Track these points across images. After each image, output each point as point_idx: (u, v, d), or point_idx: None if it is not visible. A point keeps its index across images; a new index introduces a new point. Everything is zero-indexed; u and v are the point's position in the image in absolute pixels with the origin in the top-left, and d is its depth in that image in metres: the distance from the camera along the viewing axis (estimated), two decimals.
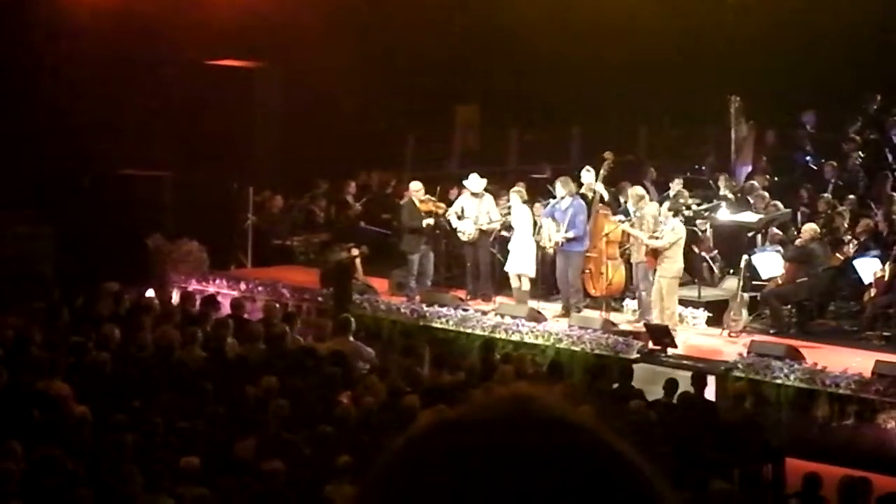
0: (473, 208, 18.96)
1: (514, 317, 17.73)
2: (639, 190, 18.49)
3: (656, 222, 17.68)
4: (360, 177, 23.52)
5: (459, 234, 19.00)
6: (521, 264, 18.47)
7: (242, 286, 19.75)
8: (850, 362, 15.95)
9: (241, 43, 21.59)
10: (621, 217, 18.47)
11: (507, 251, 18.72)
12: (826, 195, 20.97)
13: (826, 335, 17.66)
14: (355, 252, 19.59)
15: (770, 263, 18.18)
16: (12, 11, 20.47)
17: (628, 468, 1.50)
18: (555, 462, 1.47)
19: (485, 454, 1.47)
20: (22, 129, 20.83)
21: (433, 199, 19.43)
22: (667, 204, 18.24)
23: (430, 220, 19.05)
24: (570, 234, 17.97)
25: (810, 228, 18.19)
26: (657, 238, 17.46)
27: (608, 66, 23.12)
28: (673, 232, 17.43)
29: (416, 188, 19.40)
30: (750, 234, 19.45)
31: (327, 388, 14.01)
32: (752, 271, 18.05)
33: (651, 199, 18.64)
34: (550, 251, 18.38)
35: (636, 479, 1.50)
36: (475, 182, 19.05)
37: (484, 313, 18.08)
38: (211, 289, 19.65)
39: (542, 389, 1.57)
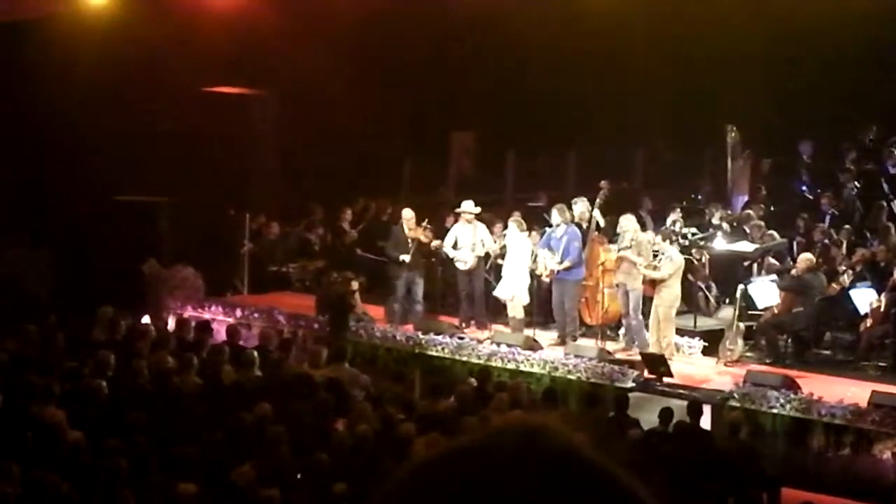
0: (468, 237, 18.88)
1: (509, 345, 17.69)
2: (632, 218, 18.41)
3: (652, 252, 17.68)
4: (356, 203, 23.49)
5: (459, 264, 18.89)
6: (511, 290, 18.38)
7: (238, 313, 19.71)
8: (845, 392, 15.92)
9: (237, 70, 21.60)
10: (618, 246, 18.43)
11: (501, 278, 18.66)
12: (822, 225, 20.99)
13: (822, 365, 17.63)
14: (355, 286, 19.39)
15: (766, 293, 18.17)
16: (9, 37, 20.46)
17: (632, 498, 1.50)
18: (564, 492, 1.46)
19: (495, 484, 1.46)
20: (19, 154, 20.82)
21: (426, 226, 19.23)
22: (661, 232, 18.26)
23: (407, 257, 18.93)
24: (566, 263, 17.94)
25: (806, 258, 18.17)
26: (656, 269, 17.46)
27: (604, 92, 23.14)
28: (671, 262, 17.44)
29: (407, 216, 19.32)
30: (746, 264, 19.44)
31: (323, 416, 13.97)
32: (748, 301, 18.03)
33: (647, 230, 18.62)
34: (546, 280, 18.33)
35: None
36: (470, 206, 18.98)
37: (479, 341, 18.04)
38: (207, 315, 19.59)
39: (543, 418, 1.56)
